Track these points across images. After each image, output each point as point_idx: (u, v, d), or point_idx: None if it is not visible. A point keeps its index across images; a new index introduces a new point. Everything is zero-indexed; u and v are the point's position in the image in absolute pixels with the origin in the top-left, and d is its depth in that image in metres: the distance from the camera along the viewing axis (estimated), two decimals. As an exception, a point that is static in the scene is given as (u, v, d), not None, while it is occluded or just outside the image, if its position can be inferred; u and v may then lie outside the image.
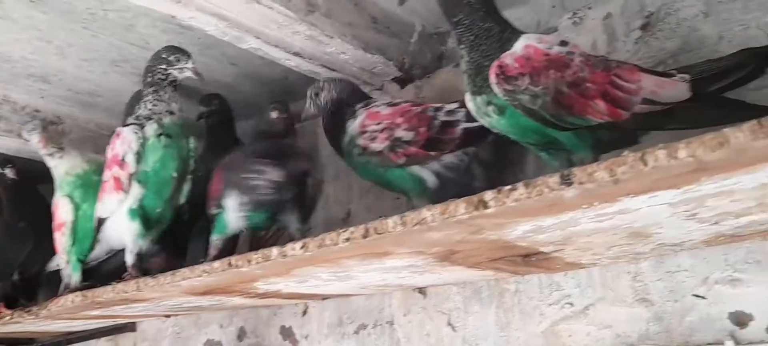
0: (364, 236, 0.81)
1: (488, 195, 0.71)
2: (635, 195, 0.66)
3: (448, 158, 0.98)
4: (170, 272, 1.08)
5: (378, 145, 1.00)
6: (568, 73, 0.77)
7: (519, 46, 0.80)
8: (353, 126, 1.05)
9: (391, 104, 1.06)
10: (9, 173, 1.54)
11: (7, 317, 1.42)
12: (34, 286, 1.55)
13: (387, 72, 1.32)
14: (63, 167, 1.39)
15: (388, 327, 1.26)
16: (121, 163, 1.18)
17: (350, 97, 1.13)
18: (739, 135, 0.55)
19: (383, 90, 1.38)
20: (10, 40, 1.28)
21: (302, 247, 0.89)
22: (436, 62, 1.34)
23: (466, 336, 1.14)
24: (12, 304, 1.46)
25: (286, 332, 1.45)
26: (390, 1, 1.26)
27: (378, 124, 1.02)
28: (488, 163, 0.97)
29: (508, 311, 1.10)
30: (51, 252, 1.38)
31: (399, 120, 1.01)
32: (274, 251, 0.92)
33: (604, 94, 0.77)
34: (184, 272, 1.06)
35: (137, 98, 1.27)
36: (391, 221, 0.78)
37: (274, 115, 1.29)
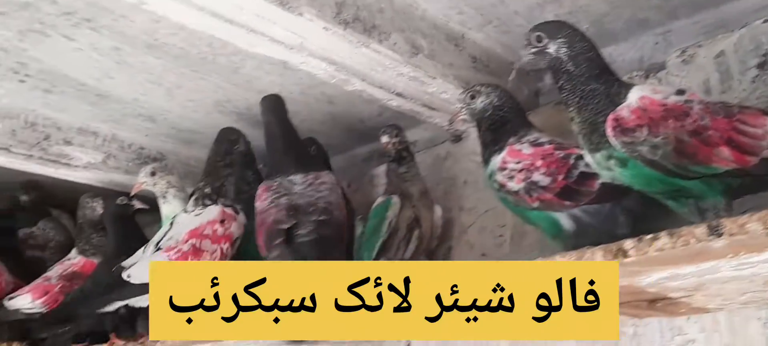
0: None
1: (628, 244, 0.71)
2: (789, 245, 0.65)
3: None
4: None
5: (514, 185, 0.97)
6: (688, 122, 0.76)
7: (633, 97, 0.79)
8: (495, 160, 1.02)
9: (535, 143, 1.01)
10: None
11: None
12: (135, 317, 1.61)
13: (486, 110, 1.33)
14: (165, 211, 1.47)
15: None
16: None
17: (511, 110, 1.07)
18: None
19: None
20: (124, 83, 1.36)
21: None
22: (534, 99, 1.35)
23: (575, 379, 1.11)
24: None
25: None
26: (489, 40, 1.28)
27: (518, 163, 0.99)
28: (634, 212, 0.92)
29: (624, 355, 1.07)
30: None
31: (539, 163, 0.97)
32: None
33: (728, 140, 0.75)
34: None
35: None
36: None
37: (384, 139, 1.29)
